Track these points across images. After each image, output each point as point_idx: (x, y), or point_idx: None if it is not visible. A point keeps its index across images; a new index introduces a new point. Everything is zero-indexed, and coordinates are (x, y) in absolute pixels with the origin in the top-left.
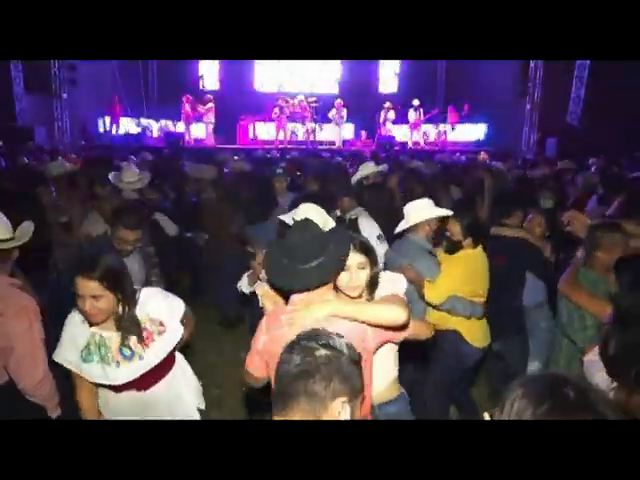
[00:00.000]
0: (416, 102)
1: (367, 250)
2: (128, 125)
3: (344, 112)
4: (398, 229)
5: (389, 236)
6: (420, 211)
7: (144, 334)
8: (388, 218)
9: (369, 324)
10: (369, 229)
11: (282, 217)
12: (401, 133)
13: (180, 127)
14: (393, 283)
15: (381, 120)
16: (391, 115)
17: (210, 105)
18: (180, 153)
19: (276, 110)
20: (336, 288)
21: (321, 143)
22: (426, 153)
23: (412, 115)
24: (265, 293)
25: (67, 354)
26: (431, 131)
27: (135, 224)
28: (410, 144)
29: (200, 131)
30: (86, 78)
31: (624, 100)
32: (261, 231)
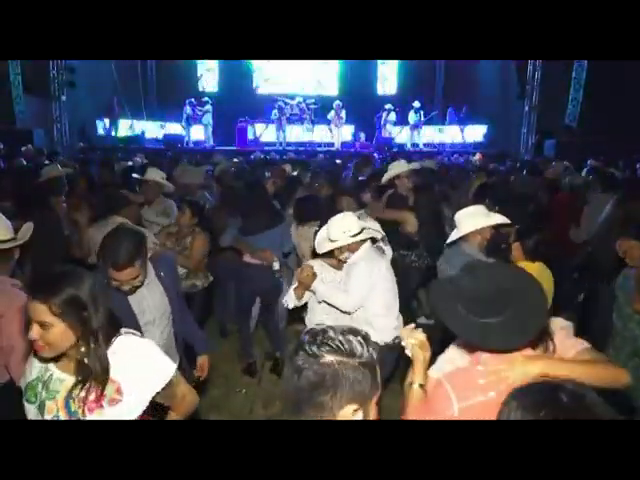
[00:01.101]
0: (417, 104)
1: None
2: (127, 127)
3: (343, 114)
4: (449, 240)
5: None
6: (472, 219)
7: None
8: (436, 222)
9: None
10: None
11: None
12: (401, 135)
13: (179, 129)
14: (568, 329)
15: (382, 122)
16: (392, 117)
17: (208, 107)
18: (180, 155)
19: (275, 112)
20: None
21: (319, 145)
22: (425, 155)
23: (412, 117)
24: (421, 343)
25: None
26: (430, 133)
27: (126, 260)
28: (409, 146)
29: (199, 133)
30: (85, 80)
31: (622, 101)
32: (265, 240)
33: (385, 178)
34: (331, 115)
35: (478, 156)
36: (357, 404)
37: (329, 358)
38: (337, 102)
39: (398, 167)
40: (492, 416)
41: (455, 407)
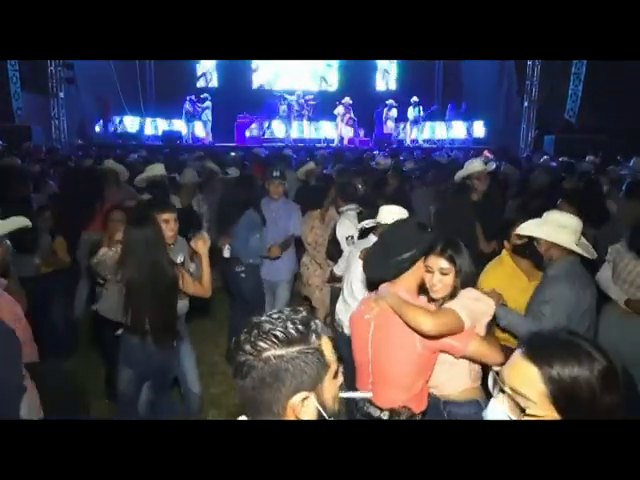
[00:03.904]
0: (415, 99)
1: (452, 257)
2: (126, 123)
3: (352, 111)
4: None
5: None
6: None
7: None
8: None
9: (407, 324)
10: (343, 228)
11: (368, 222)
12: (402, 131)
13: (178, 125)
14: (470, 300)
15: (383, 118)
16: (393, 113)
17: (208, 103)
18: (179, 151)
19: (284, 108)
20: (423, 288)
21: (319, 141)
22: (424, 150)
23: (411, 112)
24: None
25: None
26: (429, 128)
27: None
28: (409, 142)
29: (198, 129)
30: (83, 77)
31: (621, 97)
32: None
33: (457, 177)
34: (338, 110)
35: (486, 153)
36: (305, 391)
37: (265, 354)
38: (347, 99)
39: (471, 167)
40: (358, 328)
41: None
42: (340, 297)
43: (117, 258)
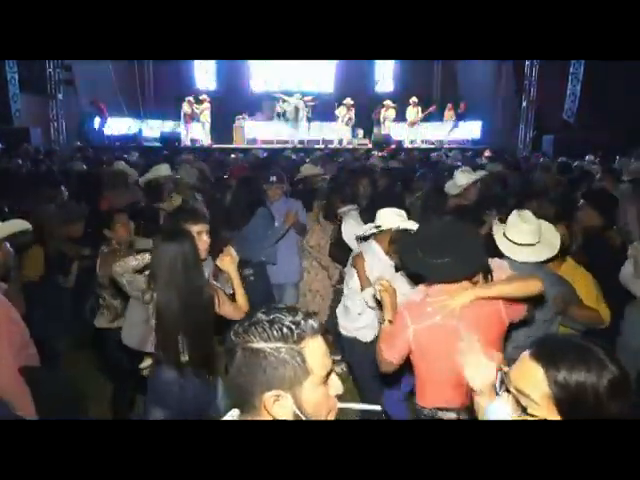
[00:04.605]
0: (414, 99)
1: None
2: (124, 125)
3: (352, 113)
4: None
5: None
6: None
7: None
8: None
9: (509, 299)
10: (350, 229)
11: (369, 225)
12: (399, 131)
13: (173, 126)
14: (500, 268)
15: (380, 118)
16: (390, 113)
17: (206, 105)
18: (177, 153)
19: (278, 108)
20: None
21: (318, 142)
22: (422, 151)
23: (410, 113)
24: (387, 287)
25: None
26: (428, 129)
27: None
28: (407, 142)
29: (196, 131)
30: (82, 78)
31: (620, 97)
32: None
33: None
34: (340, 111)
35: (487, 153)
36: (279, 390)
37: (247, 345)
38: (348, 100)
39: (462, 177)
40: (438, 336)
41: (411, 328)
42: (342, 301)
43: (142, 275)
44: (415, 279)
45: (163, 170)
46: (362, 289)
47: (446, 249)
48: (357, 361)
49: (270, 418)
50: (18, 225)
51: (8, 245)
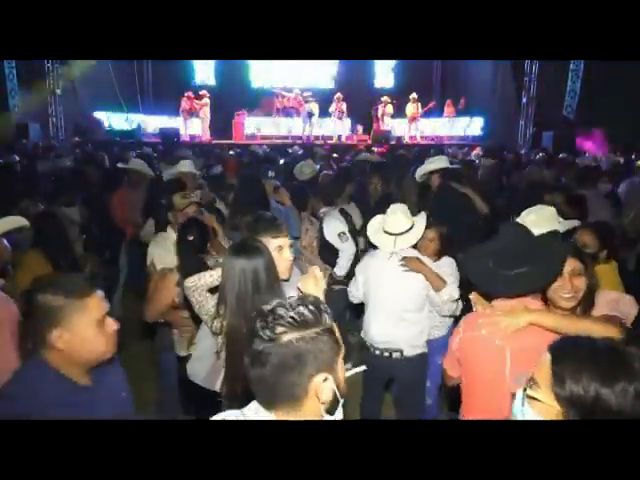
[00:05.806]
0: (414, 95)
1: (583, 255)
2: (123, 120)
3: (344, 106)
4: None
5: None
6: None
7: None
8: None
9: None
10: (332, 228)
11: (378, 218)
12: (399, 127)
13: (174, 122)
14: (617, 304)
15: (379, 114)
16: (389, 109)
17: (205, 100)
18: (177, 149)
19: (278, 103)
20: (545, 299)
21: (317, 138)
22: (422, 147)
23: (410, 108)
24: (477, 298)
25: None
26: (428, 125)
27: None
28: (407, 138)
29: (196, 127)
30: (81, 74)
31: (619, 93)
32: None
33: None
34: (332, 108)
35: (477, 150)
36: (325, 372)
37: (286, 338)
38: (338, 95)
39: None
40: (476, 347)
41: (459, 336)
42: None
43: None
44: (483, 293)
45: (187, 165)
46: (437, 290)
47: (523, 259)
48: (414, 379)
49: (313, 407)
50: (15, 221)
51: (5, 241)
